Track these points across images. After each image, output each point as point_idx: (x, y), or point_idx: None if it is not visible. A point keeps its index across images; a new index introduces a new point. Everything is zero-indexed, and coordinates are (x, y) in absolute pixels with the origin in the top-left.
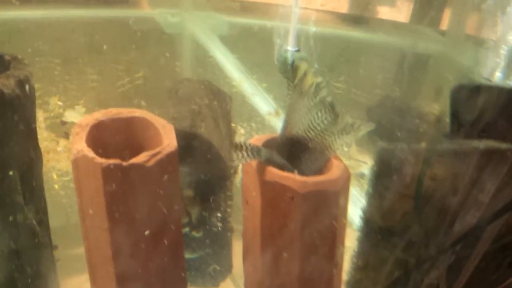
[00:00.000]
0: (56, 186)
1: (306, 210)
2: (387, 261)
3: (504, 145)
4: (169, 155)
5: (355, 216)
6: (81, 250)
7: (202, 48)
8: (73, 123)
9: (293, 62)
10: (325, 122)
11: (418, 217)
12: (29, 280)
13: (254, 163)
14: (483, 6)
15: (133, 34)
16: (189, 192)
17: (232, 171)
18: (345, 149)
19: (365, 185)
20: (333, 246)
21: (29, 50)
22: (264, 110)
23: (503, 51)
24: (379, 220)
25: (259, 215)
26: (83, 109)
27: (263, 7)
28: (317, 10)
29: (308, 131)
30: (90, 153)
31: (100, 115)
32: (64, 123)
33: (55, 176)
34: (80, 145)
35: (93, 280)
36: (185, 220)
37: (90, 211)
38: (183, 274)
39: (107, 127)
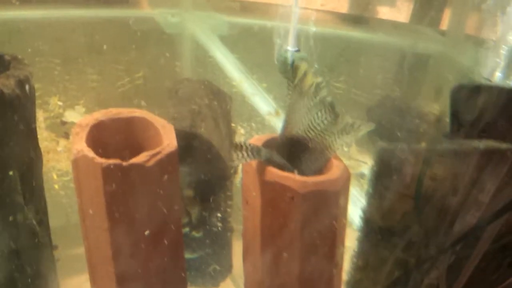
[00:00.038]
0: (56, 186)
1: (306, 210)
2: (387, 261)
3: (504, 145)
4: (169, 155)
5: (355, 216)
6: (81, 250)
7: (202, 48)
8: (73, 123)
9: (293, 62)
10: (325, 122)
11: (418, 217)
12: (29, 280)
13: (254, 163)
14: (483, 6)
15: (133, 34)
16: (189, 192)
17: (232, 171)
18: (345, 149)
19: (365, 185)
20: (333, 246)
21: (29, 50)
22: (264, 110)
23: (503, 51)
24: (379, 220)
25: (259, 215)
26: (83, 109)
27: (263, 7)
28: (317, 10)
29: (308, 131)
30: (90, 153)
31: (100, 115)
32: (64, 123)
33: (55, 176)
34: (80, 145)
35: (93, 280)
36: (185, 220)
37: (90, 211)
38: (183, 274)
39: (107, 127)
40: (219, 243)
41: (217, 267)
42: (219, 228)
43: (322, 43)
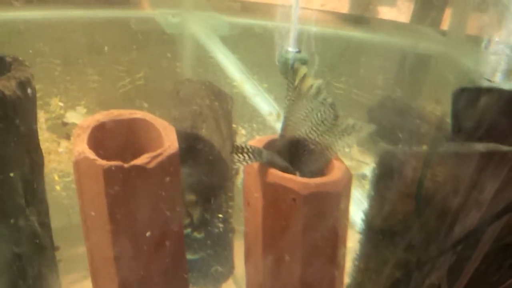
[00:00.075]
0: (58, 187)
1: (307, 211)
2: (388, 263)
3: (505, 147)
4: (171, 157)
5: (356, 218)
6: (83, 251)
7: (203, 48)
8: (74, 124)
9: (293, 64)
10: (326, 123)
11: (419, 219)
12: (31, 281)
13: (255, 164)
14: (483, 6)
15: (133, 34)
16: (190, 193)
17: (233, 172)
18: (347, 150)
19: (367, 185)
20: (335, 247)
21: (30, 51)
22: (265, 111)
23: (504, 51)
24: (381, 221)
25: (261, 217)
26: (84, 110)
27: (263, 8)
28: (318, 10)
29: (309, 133)
30: (92, 155)
31: (101, 116)
32: (65, 124)
33: (56, 177)
34: (82, 147)
35: (94, 281)
36: (186, 221)
37: (92, 213)
38: (185, 275)
39: (108, 128)
40: (220, 244)
41: (219, 268)
42: (221, 229)
43: (322, 43)
